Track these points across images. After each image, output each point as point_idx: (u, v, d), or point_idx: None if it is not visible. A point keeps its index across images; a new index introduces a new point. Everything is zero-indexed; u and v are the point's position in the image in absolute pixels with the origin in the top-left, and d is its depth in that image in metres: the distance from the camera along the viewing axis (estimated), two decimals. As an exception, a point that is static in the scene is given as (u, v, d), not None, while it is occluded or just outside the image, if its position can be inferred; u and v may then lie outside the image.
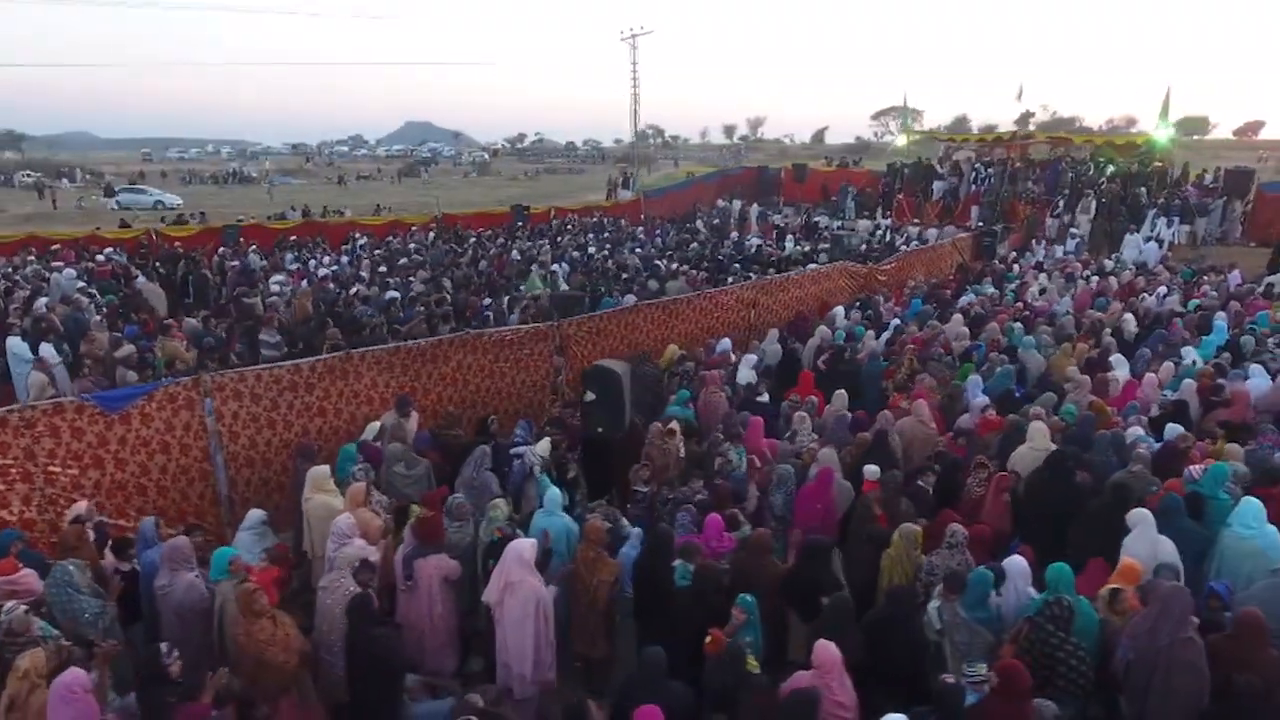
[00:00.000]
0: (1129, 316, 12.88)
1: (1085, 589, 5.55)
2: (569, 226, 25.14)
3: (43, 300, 13.45)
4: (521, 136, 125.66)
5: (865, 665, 4.88)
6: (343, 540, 6.12)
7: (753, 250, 20.56)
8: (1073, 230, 21.73)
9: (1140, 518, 5.93)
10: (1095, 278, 16.71)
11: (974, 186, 25.78)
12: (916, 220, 24.33)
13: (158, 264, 17.32)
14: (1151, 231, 21.04)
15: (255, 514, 6.73)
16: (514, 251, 19.65)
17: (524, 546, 5.46)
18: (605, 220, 26.83)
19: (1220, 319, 12.82)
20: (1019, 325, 12.35)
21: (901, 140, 27.52)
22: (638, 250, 19.38)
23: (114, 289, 15.47)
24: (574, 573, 5.96)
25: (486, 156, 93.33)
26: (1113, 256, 19.58)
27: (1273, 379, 10.04)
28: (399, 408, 8.48)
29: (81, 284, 15.11)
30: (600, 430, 8.18)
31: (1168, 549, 5.84)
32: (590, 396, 8.15)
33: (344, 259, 19.66)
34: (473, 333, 9.56)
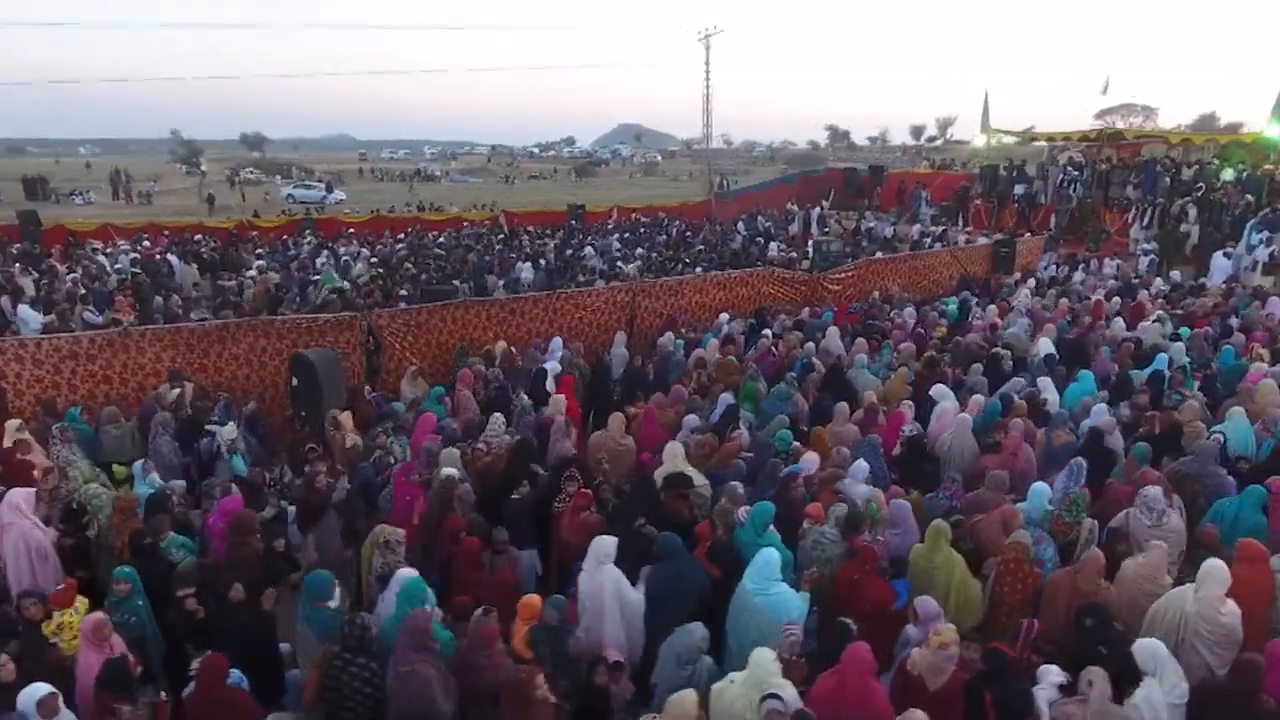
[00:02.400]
0: (1045, 342, 11.16)
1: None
2: (609, 225, 25.51)
3: (70, 276, 16.22)
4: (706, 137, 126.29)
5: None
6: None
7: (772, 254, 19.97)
8: (1144, 246, 18.70)
9: (597, 547, 5.46)
10: (1116, 297, 14.46)
11: (1059, 191, 22.85)
12: (968, 229, 22.00)
13: (201, 250, 20.00)
14: (1245, 246, 17.59)
15: (-5, 460, 7.95)
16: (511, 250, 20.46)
17: (16, 494, 6.12)
18: (653, 220, 26.87)
19: (1174, 352, 10.80)
20: (907, 345, 11.18)
21: (980, 141, 24.77)
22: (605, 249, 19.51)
23: (153, 270, 18.15)
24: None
25: (659, 158, 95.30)
26: (1172, 274, 16.71)
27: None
28: (171, 380, 9.50)
29: (118, 265, 17.87)
30: (303, 414, 8.66)
31: (610, 584, 5.35)
32: (295, 383, 8.64)
33: (380, 248, 21.54)
34: (264, 319, 10.35)
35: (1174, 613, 5.12)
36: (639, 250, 20.11)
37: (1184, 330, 11.94)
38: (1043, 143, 25.34)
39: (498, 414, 8.41)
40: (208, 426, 8.36)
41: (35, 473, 7.24)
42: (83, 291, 14.65)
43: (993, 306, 13.73)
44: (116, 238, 23.78)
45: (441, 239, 22.66)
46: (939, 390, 9.13)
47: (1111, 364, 10.51)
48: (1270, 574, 5.56)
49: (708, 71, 35.26)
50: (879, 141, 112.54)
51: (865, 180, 29.42)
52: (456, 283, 14.93)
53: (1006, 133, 24.60)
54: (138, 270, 17.78)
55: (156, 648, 5.49)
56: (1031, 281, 15.85)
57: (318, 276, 16.38)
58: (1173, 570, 6.23)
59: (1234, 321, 12.76)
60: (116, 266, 17.86)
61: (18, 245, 21.00)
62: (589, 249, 19.86)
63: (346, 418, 8.22)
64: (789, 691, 4.21)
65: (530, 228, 25.19)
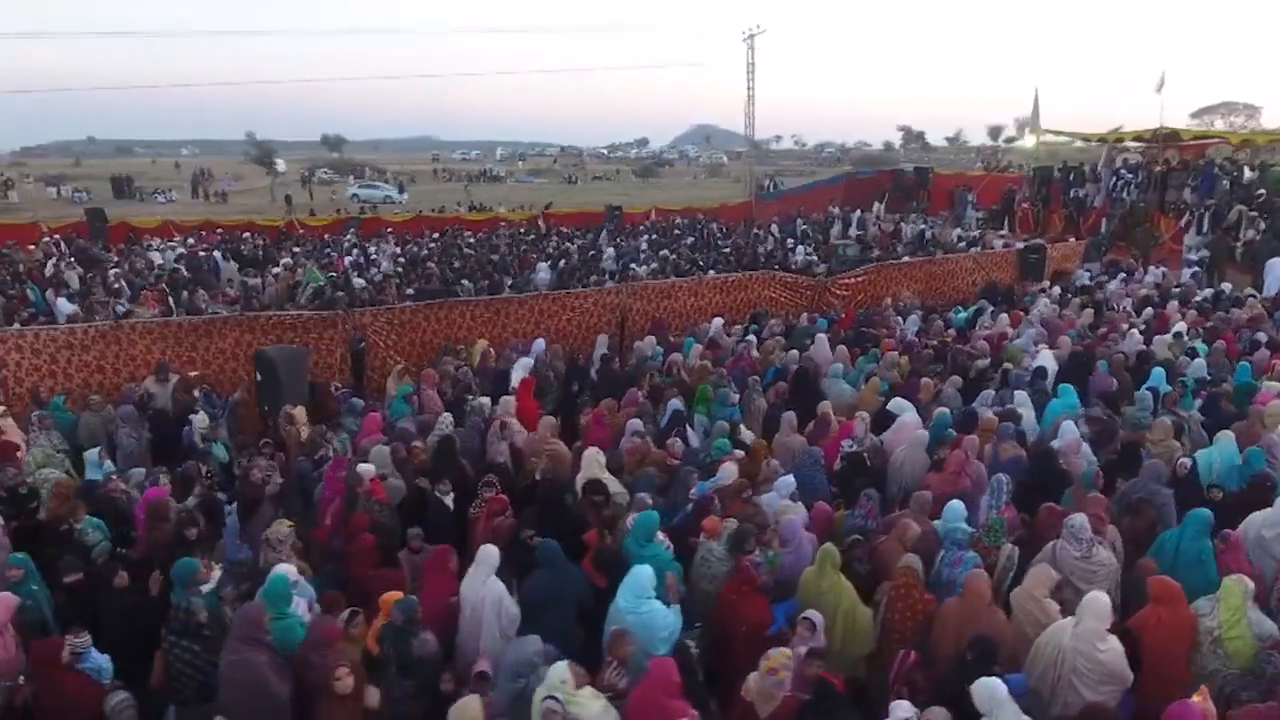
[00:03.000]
0: (1045, 355, 10.60)
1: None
2: (642, 227, 25.48)
3: (113, 271, 17.21)
4: (778, 138, 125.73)
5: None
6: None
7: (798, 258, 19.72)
8: (1188, 257, 17.57)
9: (483, 556, 5.46)
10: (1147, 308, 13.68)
11: (1111, 194, 21.69)
12: (1003, 234, 21.06)
13: (243, 248, 20.92)
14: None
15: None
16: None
17: None
18: (690, 221, 26.72)
19: (1190, 368, 10.15)
20: (891, 355, 10.79)
21: (1030, 142, 23.58)
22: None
23: (195, 265, 19.08)
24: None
25: (724, 159, 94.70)
26: (1223, 284, 15.66)
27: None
28: (157, 374, 9.94)
29: (161, 260, 18.85)
30: (266, 408, 8.94)
31: (492, 595, 5.34)
32: (259, 378, 8.93)
33: (410, 247, 22.15)
34: (249, 315, 10.73)
35: (1053, 647, 4.79)
36: (663, 253, 19.99)
37: (1202, 346, 11.16)
38: (1097, 143, 24.05)
39: (446, 414, 8.51)
40: (191, 417, 8.73)
41: (19, 454, 7.72)
42: (116, 286, 15.50)
43: (1005, 316, 13.10)
44: (176, 234, 25.09)
45: (472, 239, 23.06)
46: (897, 403, 8.78)
47: (1110, 379, 9.90)
48: (1189, 614, 5.13)
49: (751, 72, 34.70)
50: (956, 142, 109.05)
51: (910, 182, 28.55)
52: (465, 282, 15.17)
53: (1057, 133, 23.47)
54: (178, 266, 18.74)
55: (59, 631, 5.73)
56: (1055, 290, 15.07)
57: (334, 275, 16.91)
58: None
59: (1261, 336, 11.88)
60: (159, 262, 18.80)
61: (80, 240, 22.40)
62: (609, 250, 19.89)
63: (300, 413, 8.44)
64: (592, 705, 4.14)
65: (563, 228, 25.42)
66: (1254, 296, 14.22)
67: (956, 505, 6.23)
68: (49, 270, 17.85)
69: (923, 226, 24.13)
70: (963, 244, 20.29)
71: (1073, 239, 20.38)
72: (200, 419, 8.52)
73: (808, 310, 13.99)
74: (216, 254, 20.58)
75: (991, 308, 13.69)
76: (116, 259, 19.69)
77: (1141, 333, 12.27)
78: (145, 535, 6.36)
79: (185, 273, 17.99)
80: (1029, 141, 24.06)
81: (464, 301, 11.86)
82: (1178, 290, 15.29)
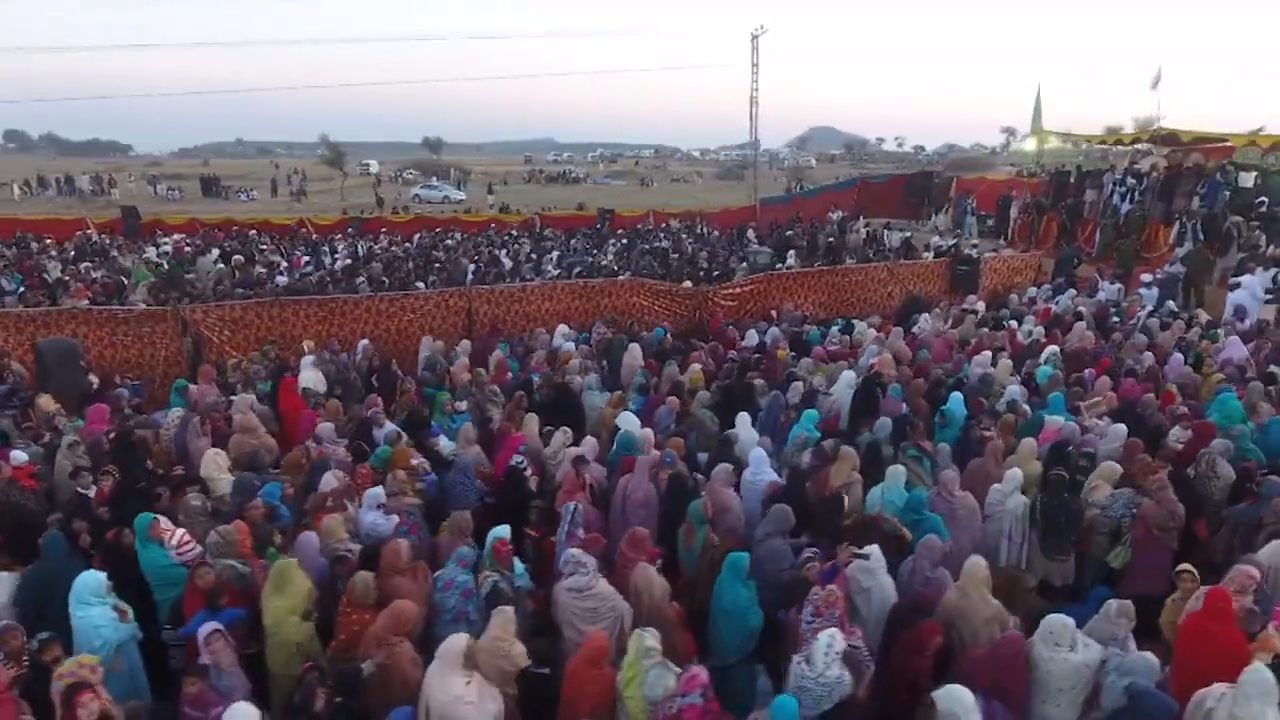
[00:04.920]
0: (847, 375, 9.89)
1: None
2: (619, 231, 25.31)
3: (84, 265, 18.81)
4: (879, 140, 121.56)
5: None
6: None
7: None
8: (1162, 270, 15.77)
9: None
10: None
11: (1106, 202, 19.75)
12: (975, 242, 19.52)
13: (225, 245, 22.34)
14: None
15: None
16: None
17: None
18: (683, 226, 26.34)
19: (1008, 393, 9.27)
20: (688, 369, 10.35)
21: (1030, 145, 21.61)
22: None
23: (173, 262, 20.54)
24: None
25: (813, 162, 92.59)
26: (1169, 304, 14.04)
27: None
28: (-7, 360, 10.84)
29: (146, 255, 20.42)
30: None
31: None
32: (36, 369, 9.59)
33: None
34: (83, 308, 11.49)
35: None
36: (603, 257, 19.88)
37: (1045, 370, 10.09)
38: (1114, 145, 21.89)
39: (176, 409, 8.84)
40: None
41: None
42: (65, 279, 16.95)
43: (872, 331, 12.27)
44: (201, 230, 27.03)
45: (448, 240, 23.64)
46: (625, 418, 8.42)
47: (899, 404, 9.09)
48: (603, 672, 4.70)
49: (755, 73, 32.89)
50: (1067, 142, 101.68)
51: (920, 187, 27.00)
52: (361, 278, 15.69)
53: (1063, 135, 21.40)
54: (160, 261, 20.25)
55: None
56: (980, 305, 13.95)
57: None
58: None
59: (1146, 358, 10.64)
60: (145, 256, 20.39)
61: (105, 234, 24.59)
62: (553, 254, 19.94)
63: (46, 401, 8.98)
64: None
65: (547, 230, 25.65)
66: (1179, 318, 12.66)
67: (498, 529, 5.96)
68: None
69: (907, 234, 22.81)
70: (928, 253, 19.03)
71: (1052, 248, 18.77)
72: (-13, 408, 9.21)
73: (684, 319, 13.63)
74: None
75: (866, 323, 12.83)
76: (115, 253, 21.47)
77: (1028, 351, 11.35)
78: None
79: (166, 267, 19.51)
80: (1029, 145, 22.21)
81: (297, 300, 12.24)
82: (1114, 309, 13.86)
